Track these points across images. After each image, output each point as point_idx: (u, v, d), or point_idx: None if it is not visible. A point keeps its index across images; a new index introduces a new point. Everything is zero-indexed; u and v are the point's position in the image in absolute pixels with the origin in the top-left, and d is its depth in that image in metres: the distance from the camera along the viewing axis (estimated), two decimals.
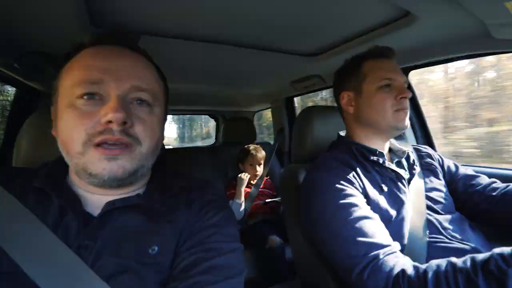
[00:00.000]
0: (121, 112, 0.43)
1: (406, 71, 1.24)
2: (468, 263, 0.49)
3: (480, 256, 0.49)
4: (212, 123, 3.27)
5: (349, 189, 0.70)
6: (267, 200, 1.68)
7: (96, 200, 0.49)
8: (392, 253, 0.59)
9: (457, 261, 0.51)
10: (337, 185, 0.71)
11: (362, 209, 0.67)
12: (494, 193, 0.80)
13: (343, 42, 1.07)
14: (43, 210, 0.46)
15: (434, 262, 0.54)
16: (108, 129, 0.43)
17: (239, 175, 1.70)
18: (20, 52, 0.96)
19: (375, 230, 0.63)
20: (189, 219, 0.51)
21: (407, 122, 0.78)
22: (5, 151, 1.24)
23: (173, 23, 0.85)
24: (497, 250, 0.49)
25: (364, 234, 0.62)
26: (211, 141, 3.32)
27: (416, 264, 0.56)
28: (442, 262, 0.53)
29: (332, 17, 0.86)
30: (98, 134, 0.43)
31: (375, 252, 0.59)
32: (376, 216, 0.67)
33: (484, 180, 0.86)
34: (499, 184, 0.83)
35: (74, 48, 0.50)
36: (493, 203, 0.79)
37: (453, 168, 0.91)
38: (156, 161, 0.54)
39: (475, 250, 0.68)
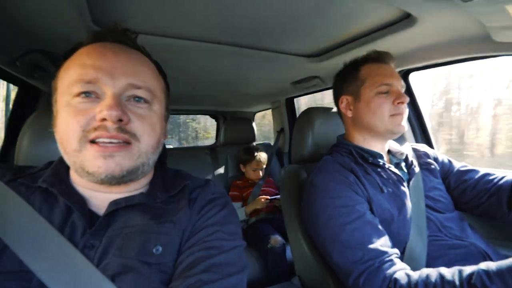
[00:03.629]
0: (116, 110, 0.42)
1: (406, 74, 1.25)
2: (456, 277, 0.52)
3: (468, 270, 0.52)
4: None
5: (349, 194, 0.71)
6: (270, 198, 1.68)
7: (99, 198, 0.49)
8: (387, 261, 0.61)
9: (446, 273, 0.54)
10: (337, 189, 0.73)
11: (361, 214, 0.68)
12: (488, 186, 0.80)
13: (343, 44, 1.07)
14: (49, 210, 0.46)
15: (425, 271, 0.57)
16: (103, 125, 0.42)
17: (260, 198, 1.68)
18: (22, 50, 0.96)
19: (372, 235, 0.64)
20: (191, 218, 0.51)
21: (404, 125, 0.79)
22: (6, 150, 1.25)
23: (173, 23, 0.86)
24: (482, 265, 0.51)
25: (361, 240, 0.64)
26: None
27: (409, 272, 0.58)
28: (433, 272, 0.56)
29: (332, 19, 0.86)
30: (93, 130, 0.42)
31: (371, 259, 0.61)
32: (375, 221, 0.68)
33: (477, 173, 0.85)
34: (493, 176, 0.81)
35: (71, 47, 0.49)
36: (485, 197, 0.79)
37: (446, 163, 0.91)
38: (157, 159, 0.53)
39: (472, 245, 0.70)
